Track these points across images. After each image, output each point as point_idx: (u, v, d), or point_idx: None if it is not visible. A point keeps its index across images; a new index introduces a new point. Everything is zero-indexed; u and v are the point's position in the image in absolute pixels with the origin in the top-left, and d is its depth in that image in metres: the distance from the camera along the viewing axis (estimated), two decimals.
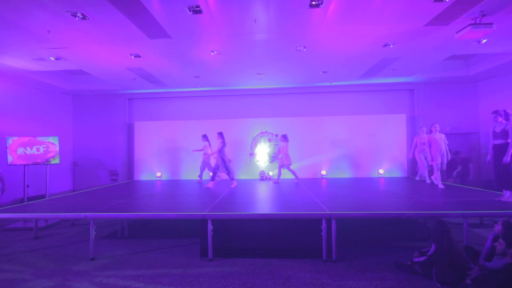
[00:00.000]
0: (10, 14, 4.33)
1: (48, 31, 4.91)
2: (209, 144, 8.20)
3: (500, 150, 4.71)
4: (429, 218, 5.14)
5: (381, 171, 9.11)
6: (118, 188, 7.42)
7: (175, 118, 9.96)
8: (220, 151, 6.84)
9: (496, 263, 3.24)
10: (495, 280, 3.00)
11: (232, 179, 7.10)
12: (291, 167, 7.93)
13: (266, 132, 9.62)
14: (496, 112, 4.80)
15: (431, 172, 7.10)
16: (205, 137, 8.19)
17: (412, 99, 9.57)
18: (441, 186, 6.27)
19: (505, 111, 4.75)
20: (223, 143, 6.90)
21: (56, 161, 7.62)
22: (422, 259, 3.55)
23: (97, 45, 5.64)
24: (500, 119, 4.75)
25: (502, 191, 4.89)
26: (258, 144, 9.60)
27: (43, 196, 7.78)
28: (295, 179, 8.02)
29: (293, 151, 9.45)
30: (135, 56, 6.24)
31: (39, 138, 7.56)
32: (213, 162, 7.85)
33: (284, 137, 7.86)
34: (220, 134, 6.99)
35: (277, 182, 7.99)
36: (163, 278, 3.63)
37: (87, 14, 4.38)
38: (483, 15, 4.54)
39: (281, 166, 7.92)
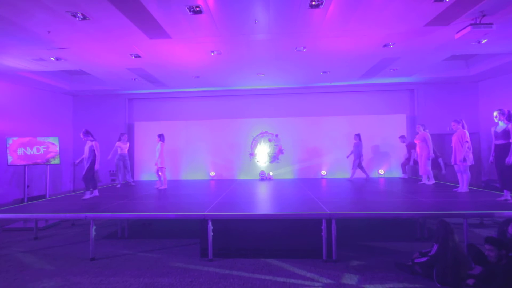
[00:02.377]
0: (11, 14, 4.33)
1: (48, 32, 4.92)
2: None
3: (501, 150, 4.69)
4: (429, 218, 5.14)
5: (381, 171, 9.11)
6: (118, 188, 7.41)
7: (175, 118, 9.96)
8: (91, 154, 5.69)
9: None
10: (496, 280, 2.99)
11: (87, 189, 5.82)
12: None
13: (266, 132, 9.62)
14: (500, 111, 4.76)
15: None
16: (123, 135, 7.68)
17: (412, 99, 9.57)
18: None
19: (509, 111, 4.71)
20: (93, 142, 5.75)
21: (56, 161, 7.62)
22: (424, 259, 3.52)
23: (97, 45, 5.64)
24: (502, 117, 4.74)
25: (503, 191, 4.88)
26: (258, 144, 9.60)
27: (43, 196, 7.79)
28: (161, 185, 7.18)
29: (293, 151, 9.49)
30: (135, 57, 6.25)
31: (39, 139, 7.57)
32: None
33: (160, 137, 6.98)
34: (86, 133, 5.76)
35: (160, 187, 7.10)
36: (163, 278, 3.63)
37: (87, 14, 4.38)
38: (483, 15, 4.54)
39: (158, 169, 7.16)
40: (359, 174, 8.33)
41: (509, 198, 4.77)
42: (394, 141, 9.13)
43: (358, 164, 8.12)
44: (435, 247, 3.44)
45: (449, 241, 3.31)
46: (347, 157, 8.50)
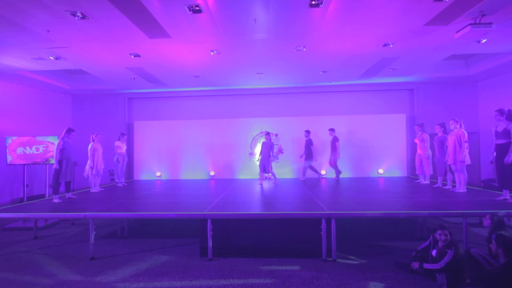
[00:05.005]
0: (10, 13, 4.31)
1: (48, 31, 4.90)
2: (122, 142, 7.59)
3: (501, 150, 4.70)
4: (429, 218, 5.15)
5: (380, 170, 9.11)
6: (117, 188, 7.41)
7: (175, 118, 9.95)
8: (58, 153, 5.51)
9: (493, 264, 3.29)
10: (492, 280, 3.01)
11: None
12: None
13: (266, 131, 9.60)
14: (499, 111, 4.78)
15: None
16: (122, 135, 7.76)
17: (412, 98, 9.57)
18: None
19: (509, 110, 4.74)
20: (63, 141, 5.60)
21: None
22: (439, 267, 3.32)
23: (97, 45, 5.63)
24: (501, 118, 4.75)
25: (502, 191, 4.90)
26: (258, 143, 9.59)
27: (42, 196, 7.78)
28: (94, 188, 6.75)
29: (293, 151, 9.48)
30: (134, 56, 6.23)
31: (38, 138, 7.56)
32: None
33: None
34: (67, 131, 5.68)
35: (95, 191, 6.69)
36: (163, 278, 3.63)
37: (87, 13, 4.37)
38: (483, 15, 4.54)
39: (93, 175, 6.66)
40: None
41: (508, 197, 4.79)
42: (394, 141, 9.16)
43: (265, 166, 7.57)
44: (449, 253, 3.29)
45: (459, 247, 3.31)
46: (257, 160, 8.08)
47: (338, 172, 8.38)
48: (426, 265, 3.48)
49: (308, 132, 8.50)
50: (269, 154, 7.48)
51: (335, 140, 8.26)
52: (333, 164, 8.37)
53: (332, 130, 8.40)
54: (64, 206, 5.00)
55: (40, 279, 3.65)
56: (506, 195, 4.83)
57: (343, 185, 7.34)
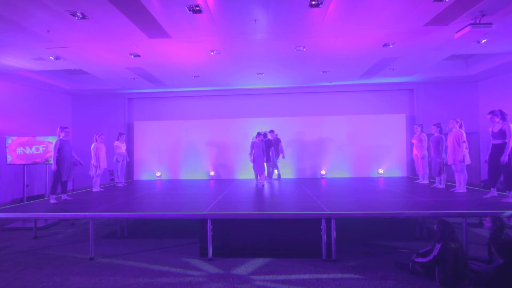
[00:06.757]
0: (10, 13, 4.31)
1: (48, 31, 4.90)
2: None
3: (498, 150, 4.74)
4: (429, 217, 5.16)
5: (380, 170, 9.11)
6: (117, 188, 7.41)
7: (175, 118, 9.95)
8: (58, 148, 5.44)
9: (488, 267, 3.32)
10: (492, 281, 3.01)
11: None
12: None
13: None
14: (492, 113, 4.84)
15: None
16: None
17: (411, 99, 9.58)
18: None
19: (500, 111, 4.79)
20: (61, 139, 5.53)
21: None
22: (425, 260, 3.44)
23: (97, 45, 5.63)
24: (496, 119, 4.79)
25: (490, 189, 5.04)
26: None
27: (42, 196, 7.78)
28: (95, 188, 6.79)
29: (293, 151, 9.47)
30: (134, 56, 6.23)
31: (38, 138, 7.56)
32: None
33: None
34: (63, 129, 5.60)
35: (96, 191, 6.68)
36: (162, 278, 3.63)
37: (86, 13, 4.37)
38: (483, 15, 4.54)
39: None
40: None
41: (496, 194, 4.96)
42: (394, 141, 9.15)
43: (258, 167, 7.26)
44: (437, 247, 3.38)
45: (451, 242, 3.30)
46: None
47: (278, 172, 8.65)
48: (416, 259, 3.57)
49: (273, 131, 8.40)
50: (262, 154, 7.18)
51: (277, 141, 8.40)
52: (275, 165, 8.50)
53: (272, 131, 8.37)
54: (64, 207, 4.99)
55: (40, 279, 3.65)
56: (493, 192, 4.98)
57: (343, 185, 7.33)
